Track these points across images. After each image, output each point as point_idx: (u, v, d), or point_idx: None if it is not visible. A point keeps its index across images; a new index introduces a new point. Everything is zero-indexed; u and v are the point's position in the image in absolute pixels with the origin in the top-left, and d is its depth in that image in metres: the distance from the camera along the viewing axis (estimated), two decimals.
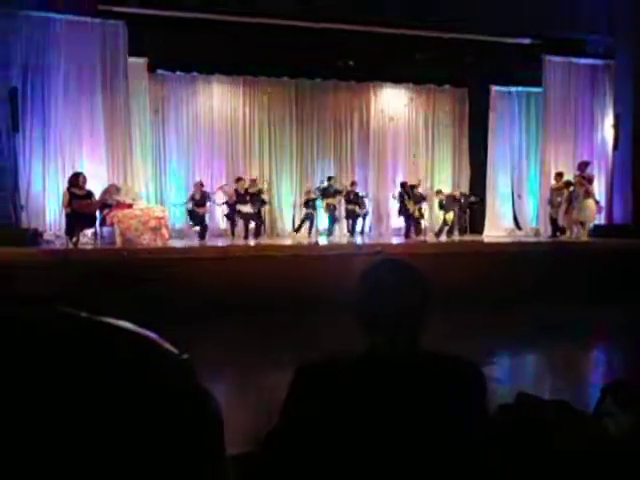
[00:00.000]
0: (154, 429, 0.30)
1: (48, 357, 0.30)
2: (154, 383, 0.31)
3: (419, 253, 7.79)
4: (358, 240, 10.58)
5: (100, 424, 0.29)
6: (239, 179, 10.50)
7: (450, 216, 11.04)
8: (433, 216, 11.99)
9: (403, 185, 11.11)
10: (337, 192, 11.02)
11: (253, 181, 10.65)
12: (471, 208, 11.86)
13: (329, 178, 11.19)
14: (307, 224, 10.97)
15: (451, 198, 11.28)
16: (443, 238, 10.84)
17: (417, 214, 10.92)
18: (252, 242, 9.80)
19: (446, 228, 11.02)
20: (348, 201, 11.17)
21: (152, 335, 0.35)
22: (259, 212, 10.53)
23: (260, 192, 10.53)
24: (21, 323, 0.33)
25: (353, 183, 11.39)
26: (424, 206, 11.27)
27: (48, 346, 0.31)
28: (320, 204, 10.93)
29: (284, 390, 1.23)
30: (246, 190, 10.32)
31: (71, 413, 0.29)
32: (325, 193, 10.95)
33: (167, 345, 0.35)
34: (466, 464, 1.16)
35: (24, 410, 0.29)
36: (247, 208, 10.24)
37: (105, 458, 0.29)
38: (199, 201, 9.89)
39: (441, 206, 11.23)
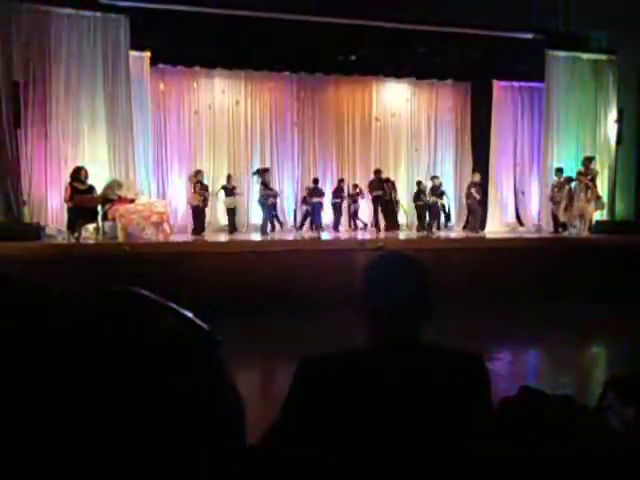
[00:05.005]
0: (178, 402, 0.31)
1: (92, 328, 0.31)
2: (189, 358, 0.32)
3: (421, 248, 7.78)
4: (360, 236, 10.58)
5: (130, 390, 0.29)
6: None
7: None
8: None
9: (387, 180, 11.36)
10: (320, 193, 11.14)
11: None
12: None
13: (315, 180, 11.32)
14: (308, 220, 11.14)
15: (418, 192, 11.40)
16: (446, 232, 10.86)
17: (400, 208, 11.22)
18: (253, 237, 9.79)
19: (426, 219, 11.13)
20: (350, 198, 11.38)
21: (189, 314, 0.35)
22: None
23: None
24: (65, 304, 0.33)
25: (356, 186, 11.56)
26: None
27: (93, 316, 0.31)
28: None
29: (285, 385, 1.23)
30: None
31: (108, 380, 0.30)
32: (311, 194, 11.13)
33: (202, 324, 0.35)
34: (468, 456, 1.16)
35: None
36: (227, 202, 10.56)
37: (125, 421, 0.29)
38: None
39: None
